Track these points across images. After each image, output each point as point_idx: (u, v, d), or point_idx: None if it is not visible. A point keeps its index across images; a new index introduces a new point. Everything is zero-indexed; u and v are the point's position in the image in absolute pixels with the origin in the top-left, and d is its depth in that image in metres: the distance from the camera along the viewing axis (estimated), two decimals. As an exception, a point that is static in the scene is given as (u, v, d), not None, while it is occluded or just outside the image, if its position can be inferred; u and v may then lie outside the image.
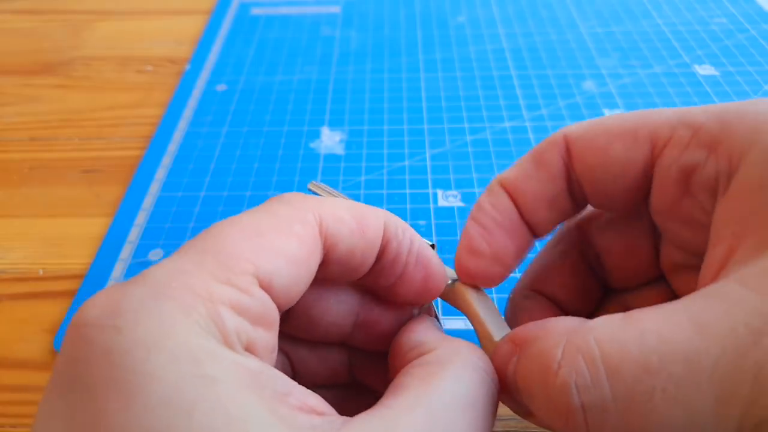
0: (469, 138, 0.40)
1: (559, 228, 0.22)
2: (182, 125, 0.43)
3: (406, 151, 0.39)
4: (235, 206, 0.36)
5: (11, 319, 0.31)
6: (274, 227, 0.15)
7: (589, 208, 0.22)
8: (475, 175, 0.37)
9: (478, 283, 0.20)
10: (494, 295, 0.30)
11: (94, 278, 0.32)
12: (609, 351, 0.13)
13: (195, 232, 0.34)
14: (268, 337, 0.14)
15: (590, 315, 0.22)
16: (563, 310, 0.22)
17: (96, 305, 0.13)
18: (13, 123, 0.44)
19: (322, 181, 0.37)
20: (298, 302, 0.19)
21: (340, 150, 0.40)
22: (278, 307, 0.15)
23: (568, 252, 0.22)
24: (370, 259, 0.17)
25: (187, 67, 0.49)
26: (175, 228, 0.35)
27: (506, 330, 0.19)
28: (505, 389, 0.17)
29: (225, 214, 0.35)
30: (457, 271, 0.20)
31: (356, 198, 0.36)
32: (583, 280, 0.22)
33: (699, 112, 0.17)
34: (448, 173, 0.37)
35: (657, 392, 0.13)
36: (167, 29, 0.55)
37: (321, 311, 0.19)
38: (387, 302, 0.20)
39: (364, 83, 0.46)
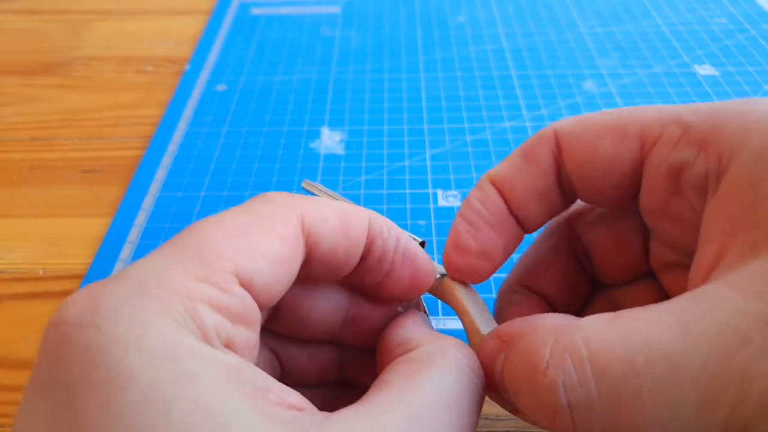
0: (469, 138, 0.40)
1: (549, 224, 0.22)
2: (182, 125, 0.43)
3: (406, 151, 0.39)
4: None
5: (11, 319, 0.31)
6: (255, 226, 0.15)
7: (579, 203, 0.22)
8: (475, 175, 0.37)
9: (465, 278, 0.20)
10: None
11: (94, 278, 0.32)
12: (596, 351, 0.13)
13: (195, 232, 0.34)
14: (249, 335, 0.14)
15: (579, 310, 0.22)
16: (552, 305, 0.22)
17: (75, 303, 0.13)
18: (13, 123, 0.44)
19: (321, 181, 0.37)
20: (286, 300, 0.19)
21: (340, 150, 0.40)
22: (259, 306, 0.15)
23: (557, 247, 0.22)
24: (354, 258, 0.17)
25: (187, 67, 0.49)
26: (175, 228, 0.35)
27: (494, 325, 0.19)
28: (492, 386, 0.17)
29: (225, 214, 0.35)
30: (446, 266, 0.20)
31: (356, 198, 0.36)
32: (572, 275, 0.22)
33: (689, 110, 0.17)
34: (448, 173, 0.37)
35: (643, 392, 0.13)
36: (167, 29, 0.55)
37: (309, 309, 0.19)
38: (375, 299, 0.20)
39: (364, 83, 0.46)
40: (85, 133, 0.43)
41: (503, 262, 0.20)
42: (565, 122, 0.19)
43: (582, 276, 0.22)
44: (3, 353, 0.29)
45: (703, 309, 0.13)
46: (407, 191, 0.36)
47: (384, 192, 0.36)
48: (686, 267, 0.17)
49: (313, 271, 0.17)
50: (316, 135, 0.41)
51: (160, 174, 0.39)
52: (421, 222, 0.34)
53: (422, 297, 0.21)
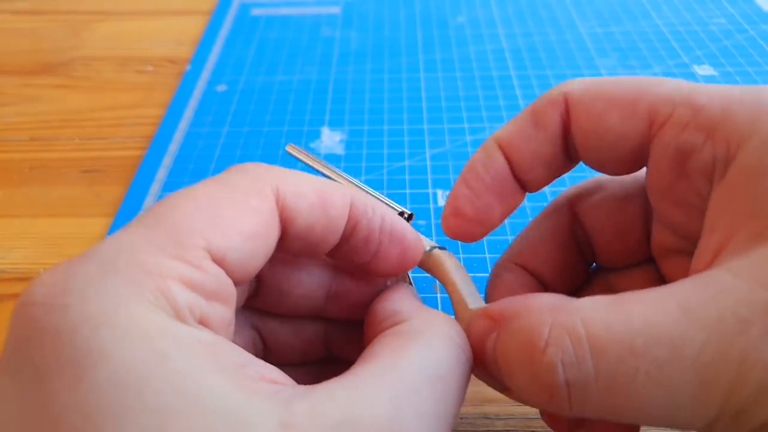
0: (468, 138, 0.40)
1: (550, 203, 0.22)
2: (183, 125, 0.43)
3: (406, 151, 0.40)
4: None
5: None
6: (229, 200, 0.15)
7: (583, 183, 0.22)
8: (474, 175, 0.37)
9: (459, 239, 0.21)
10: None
11: (94, 278, 0.32)
12: (595, 331, 0.14)
13: (195, 231, 0.34)
14: (224, 312, 0.14)
15: (573, 292, 0.22)
16: (544, 286, 0.22)
17: (43, 283, 0.12)
18: (14, 123, 0.44)
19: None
20: (268, 276, 0.19)
21: (340, 150, 0.40)
22: (234, 282, 0.15)
23: (556, 228, 0.22)
24: (333, 237, 0.17)
25: (188, 67, 0.49)
26: (176, 228, 0.35)
27: (480, 300, 0.19)
28: (482, 364, 0.17)
29: (225, 214, 0.35)
30: (443, 227, 0.21)
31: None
32: (569, 257, 0.22)
33: (702, 92, 0.17)
34: (448, 173, 0.38)
35: (640, 374, 0.13)
36: (167, 29, 0.55)
37: (291, 285, 0.19)
38: (360, 273, 0.20)
39: (364, 83, 0.46)
40: (85, 133, 0.43)
41: (498, 226, 0.21)
42: (576, 86, 0.19)
43: (579, 258, 0.22)
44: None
45: (705, 294, 0.13)
46: (407, 191, 0.36)
47: (384, 192, 0.36)
48: (687, 254, 0.17)
49: (289, 247, 0.17)
50: (316, 135, 0.41)
51: (161, 174, 0.39)
52: (422, 222, 0.34)
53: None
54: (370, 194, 0.21)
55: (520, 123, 0.19)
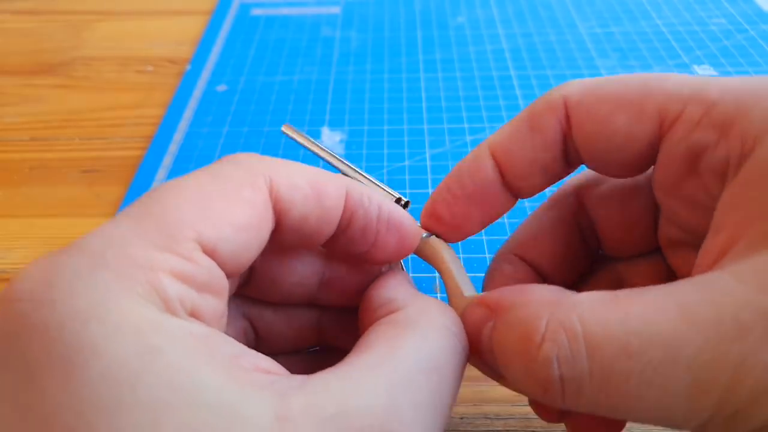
0: (468, 138, 0.40)
1: (554, 193, 0.22)
2: (183, 125, 0.43)
3: (406, 151, 0.40)
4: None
5: (12, 318, 0.31)
6: (220, 192, 0.14)
7: (589, 173, 0.21)
8: (474, 175, 0.37)
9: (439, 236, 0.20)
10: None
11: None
12: (592, 329, 0.14)
13: (195, 231, 0.34)
14: (216, 304, 0.14)
15: (579, 282, 0.22)
16: (545, 279, 0.21)
17: (29, 278, 0.12)
18: (14, 123, 0.44)
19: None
20: (259, 265, 0.18)
21: (340, 150, 0.40)
22: (227, 274, 0.14)
23: (561, 219, 0.21)
24: (328, 228, 0.17)
25: (188, 67, 0.49)
26: (176, 228, 0.35)
27: (473, 290, 0.19)
28: (478, 353, 0.17)
29: (225, 214, 0.35)
30: (421, 222, 0.20)
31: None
32: (572, 249, 0.21)
33: (713, 86, 0.16)
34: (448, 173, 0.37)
35: (635, 374, 0.13)
36: (168, 30, 0.55)
37: (284, 273, 0.19)
38: (354, 260, 0.20)
39: (364, 83, 0.46)
40: (85, 133, 0.43)
41: (479, 232, 0.20)
42: (575, 88, 0.18)
43: (582, 249, 0.21)
44: (4, 353, 0.29)
45: (705, 296, 0.13)
46: (407, 191, 0.36)
47: (384, 192, 0.36)
48: (694, 246, 0.16)
49: (284, 238, 0.17)
50: (317, 135, 0.41)
51: (161, 174, 0.39)
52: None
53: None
54: (365, 179, 0.21)
55: (515, 128, 0.19)
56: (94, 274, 0.12)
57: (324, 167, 0.19)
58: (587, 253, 0.22)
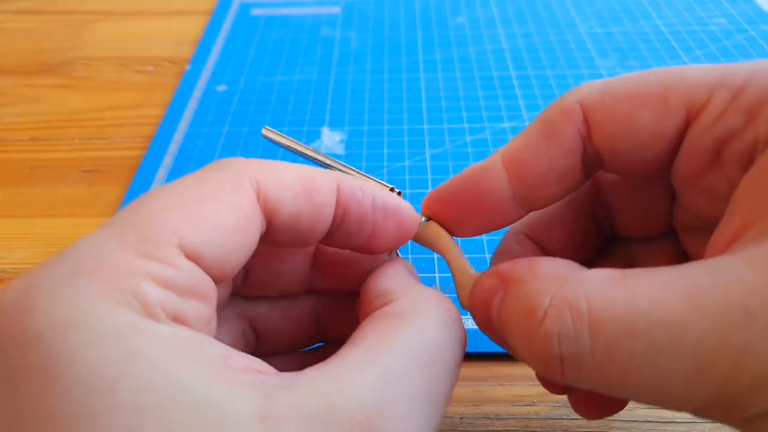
0: (468, 138, 0.40)
1: None
2: (183, 125, 0.43)
3: (406, 151, 0.40)
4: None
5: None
6: (204, 195, 0.14)
7: None
8: (474, 175, 0.37)
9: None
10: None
11: (94, 278, 0.32)
12: (597, 308, 0.13)
13: (195, 231, 0.34)
14: (201, 309, 0.14)
15: (591, 261, 0.21)
16: None
17: (11, 290, 0.12)
18: (14, 123, 0.44)
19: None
20: (255, 264, 0.18)
21: (340, 150, 0.40)
22: (214, 279, 0.14)
23: (574, 202, 0.21)
24: (322, 224, 0.17)
25: (188, 67, 0.49)
26: (176, 228, 0.35)
27: (475, 270, 0.19)
28: (487, 323, 0.17)
29: (225, 214, 0.35)
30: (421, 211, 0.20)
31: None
32: (584, 232, 0.21)
33: (742, 71, 0.15)
34: (448, 173, 0.38)
35: (637, 355, 0.13)
36: (168, 30, 0.55)
37: (280, 267, 0.19)
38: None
39: (364, 83, 0.46)
40: (85, 133, 0.43)
41: (478, 235, 0.20)
42: (590, 91, 0.17)
43: (593, 232, 0.21)
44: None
45: (714, 281, 0.13)
46: (407, 191, 0.36)
47: (384, 192, 0.36)
48: (710, 233, 0.16)
49: (278, 238, 0.16)
50: (317, 135, 0.41)
51: (161, 174, 0.39)
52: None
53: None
54: (354, 173, 0.21)
55: (529, 137, 0.18)
56: (73, 282, 0.12)
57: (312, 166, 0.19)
58: (599, 235, 0.21)
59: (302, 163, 0.21)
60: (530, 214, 0.21)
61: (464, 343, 0.16)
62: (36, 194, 0.38)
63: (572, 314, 0.14)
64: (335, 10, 0.56)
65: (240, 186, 0.15)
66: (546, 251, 0.21)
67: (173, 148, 0.41)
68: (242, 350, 0.14)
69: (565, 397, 0.26)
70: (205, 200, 0.14)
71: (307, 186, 0.16)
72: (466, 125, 0.42)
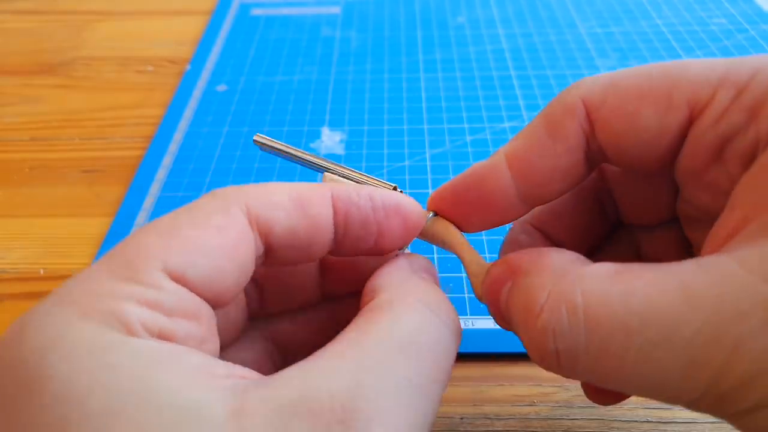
0: (468, 138, 0.40)
1: None
2: (183, 125, 0.43)
3: (406, 151, 0.40)
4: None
5: (12, 319, 0.31)
6: (190, 222, 0.15)
7: None
8: (474, 175, 0.37)
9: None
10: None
11: (94, 278, 0.32)
12: (592, 304, 0.14)
13: (195, 231, 0.34)
14: (193, 328, 0.14)
15: (595, 248, 0.22)
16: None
17: (11, 326, 0.13)
18: (14, 123, 0.44)
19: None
20: (267, 282, 0.19)
21: (340, 150, 0.40)
22: (208, 300, 0.15)
23: (580, 192, 0.21)
24: (323, 236, 0.17)
25: (188, 67, 0.49)
26: (176, 228, 0.35)
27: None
28: (497, 312, 0.17)
29: (225, 214, 0.35)
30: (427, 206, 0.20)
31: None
32: (590, 222, 0.21)
33: (746, 67, 0.16)
34: (448, 173, 0.38)
35: (631, 351, 0.13)
36: (168, 30, 0.55)
37: (286, 280, 0.19)
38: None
39: (364, 83, 0.46)
40: (85, 133, 0.43)
41: (483, 230, 0.20)
42: (592, 87, 0.17)
43: (599, 221, 0.21)
44: (4, 353, 0.29)
45: (708, 279, 0.13)
46: (407, 191, 0.36)
47: (384, 192, 0.36)
48: (712, 224, 0.16)
49: (281, 257, 0.17)
50: (317, 135, 0.41)
51: (161, 174, 0.39)
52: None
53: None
54: (353, 174, 0.20)
55: (532, 135, 0.18)
56: (59, 310, 0.13)
57: (303, 170, 0.19)
58: (605, 222, 0.22)
59: (298, 167, 0.21)
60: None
61: (456, 330, 0.16)
62: (36, 194, 0.38)
63: (568, 310, 0.14)
64: (335, 10, 0.56)
65: (227, 211, 0.15)
66: (553, 240, 0.21)
67: (173, 148, 0.41)
68: (269, 370, 0.14)
69: (565, 397, 0.26)
70: (191, 227, 0.15)
71: (299, 201, 0.16)
72: (466, 125, 0.42)
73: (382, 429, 0.12)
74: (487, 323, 0.28)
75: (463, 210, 0.19)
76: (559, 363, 0.14)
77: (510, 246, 0.21)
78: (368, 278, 0.18)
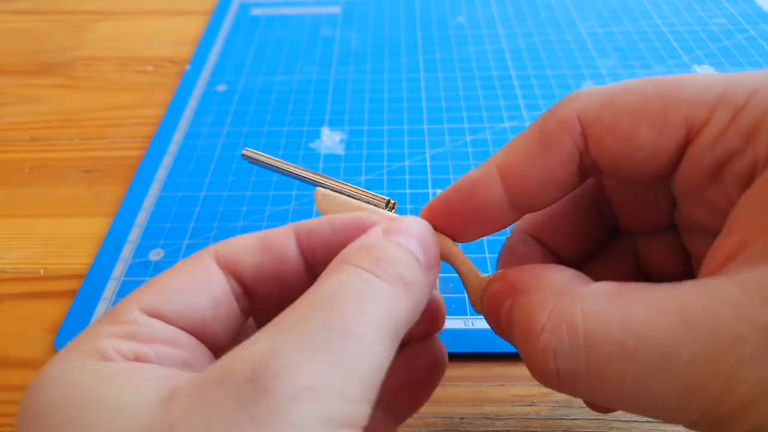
0: (468, 138, 0.40)
1: None
2: (183, 125, 0.43)
3: (406, 151, 0.40)
4: (235, 206, 0.36)
5: (12, 318, 0.31)
6: (166, 273, 0.17)
7: None
8: (474, 175, 0.37)
9: None
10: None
11: (94, 278, 0.32)
12: (592, 326, 0.14)
13: (195, 232, 0.34)
14: (171, 351, 0.16)
15: (592, 256, 0.22)
16: (560, 259, 0.21)
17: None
18: (14, 123, 0.44)
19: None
20: (253, 314, 0.19)
21: (340, 150, 0.40)
22: (189, 329, 0.16)
23: (578, 202, 0.21)
24: (292, 267, 0.18)
25: (188, 67, 0.49)
26: (176, 228, 0.35)
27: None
28: (497, 328, 0.17)
29: (225, 214, 0.35)
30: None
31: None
32: (588, 231, 0.21)
33: (744, 87, 0.15)
34: (448, 173, 0.37)
35: (629, 373, 0.13)
36: (168, 29, 0.55)
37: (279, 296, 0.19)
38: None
39: (364, 83, 0.46)
40: (85, 133, 0.43)
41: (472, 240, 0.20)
42: (588, 103, 0.17)
43: (597, 230, 0.21)
44: (4, 353, 0.29)
45: (706, 303, 0.13)
46: (407, 191, 0.36)
47: (384, 192, 0.36)
48: (709, 234, 0.16)
49: (261, 297, 0.18)
50: (316, 135, 0.41)
51: (161, 174, 0.39)
52: (421, 222, 0.34)
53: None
54: (342, 188, 0.20)
55: (525, 147, 0.18)
56: (61, 354, 0.15)
57: (296, 184, 0.19)
58: (603, 229, 0.22)
59: (287, 180, 0.21)
60: (533, 213, 0.21)
61: (401, 278, 0.15)
62: (36, 194, 0.38)
63: (569, 330, 0.14)
64: (335, 10, 0.56)
65: (197, 259, 0.17)
66: (551, 249, 0.21)
67: (173, 148, 0.41)
68: None
69: (565, 397, 0.26)
70: (166, 276, 0.17)
71: (264, 240, 0.18)
72: (466, 125, 0.42)
73: (291, 376, 0.12)
74: (487, 324, 0.28)
75: (457, 222, 0.19)
76: (559, 381, 0.15)
77: (508, 256, 0.22)
78: None
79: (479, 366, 0.27)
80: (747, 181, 0.15)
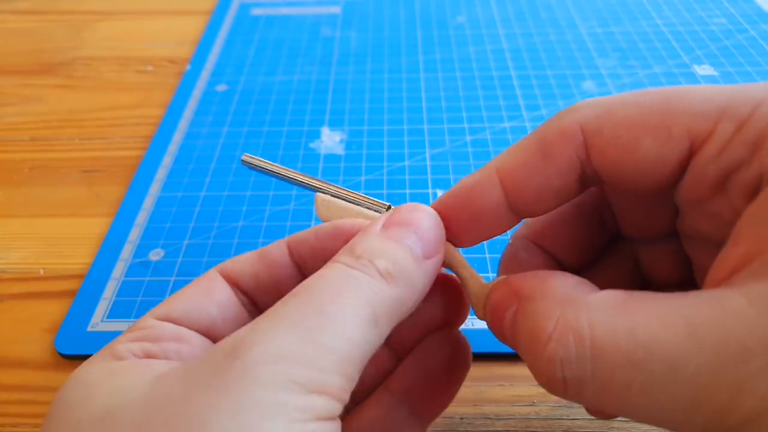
0: (468, 138, 0.40)
1: None
2: (182, 125, 0.43)
3: (406, 151, 0.40)
4: (234, 206, 0.36)
5: (12, 319, 0.31)
6: (179, 291, 0.19)
7: None
8: (474, 175, 0.37)
9: None
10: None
11: (94, 278, 0.32)
12: (599, 336, 0.14)
13: (195, 232, 0.34)
14: (179, 347, 0.17)
15: (594, 262, 0.22)
16: (561, 265, 0.21)
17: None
18: (14, 123, 0.44)
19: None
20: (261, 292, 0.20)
21: (340, 150, 0.40)
22: (197, 328, 0.18)
23: (580, 208, 0.21)
24: (287, 276, 0.20)
25: (188, 67, 0.49)
26: (176, 228, 0.35)
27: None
28: (501, 335, 0.18)
29: (225, 214, 0.35)
30: None
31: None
32: (590, 237, 0.21)
33: (749, 99, 0.15)
34: (448, 173, 0.38)
35: (635, 383, 0.13)
36: (168, 29, 0.55)
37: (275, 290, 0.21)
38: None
39: (364, 83, 0.46)
40: (85, 133, 0.43)
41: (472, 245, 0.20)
42: (590, 113, 0.17)
43: (599, 236, 0.21)
44: (3, 353, 0.29)
45: (714, 315, 0.13)
46: (407, 191, 0.36)
47: (384, 192, 0.36)
48: (713, 244, 0.16)
49: (262, 299, 0.20)
50: (316, 135, 0.41)
51: (161, 174, 0.39)
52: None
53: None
54: (341, 194, 0.20)
55: (526, 154, 0.18)
56: (87, 361, 0.17)
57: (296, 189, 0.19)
58: (604, 235, 0.22)
59: (287, 186, 0.22)
60: (534, 219, 0.21)
61: (387, 271, 0.16)
62: (36, 194, 0.38)
63: (575, 340, 0.14)
64: (335, 10, 0.56)
65: (205, 274, 0.20)
66: (552, 255, 0.21)
67: (173, 148, 0.41)
68: None
69: (565, 397, 0.26)
70: (179, 291, 0.19)
71: (260, 254, 0.20)
72: (466, 125, 0.42)
73: (261, 346, 0.14)
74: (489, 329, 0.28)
75: (456, 226, 0.19)
76: (565, 389, 0.15)
77: (509, 262, 0.21)
78: None
79: (479, 366, 0.27)
80: (753, 192, 0.15)
